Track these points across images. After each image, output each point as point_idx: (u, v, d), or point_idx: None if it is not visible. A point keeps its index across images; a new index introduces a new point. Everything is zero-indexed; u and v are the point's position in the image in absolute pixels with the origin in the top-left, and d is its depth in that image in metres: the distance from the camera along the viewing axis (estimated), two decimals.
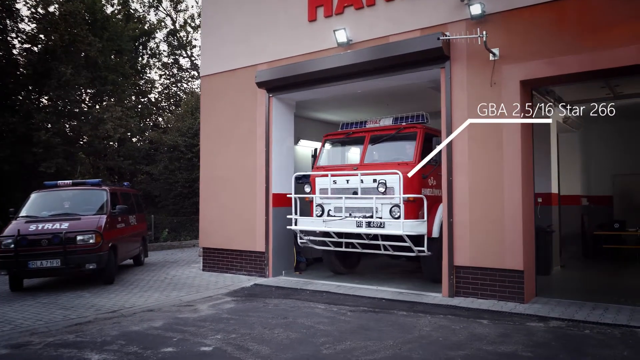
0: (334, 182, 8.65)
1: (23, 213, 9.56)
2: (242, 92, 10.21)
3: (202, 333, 5.95)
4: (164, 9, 29.44)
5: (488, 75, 7.28)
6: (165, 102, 27.60)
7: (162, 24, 27.96)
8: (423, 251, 7.92)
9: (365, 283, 8.87)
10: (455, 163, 7.59)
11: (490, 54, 7.22)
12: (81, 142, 19.80)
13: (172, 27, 28.10)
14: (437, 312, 6.82)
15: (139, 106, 25.45)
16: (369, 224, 8.08)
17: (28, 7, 18.18)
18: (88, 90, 22.03)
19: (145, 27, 26.21)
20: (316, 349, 5.26)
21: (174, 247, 17.49)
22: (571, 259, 11.23)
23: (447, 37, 7.44)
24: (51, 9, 18.70)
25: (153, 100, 27.27)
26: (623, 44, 6.31)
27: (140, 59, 25.99)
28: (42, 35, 18.29)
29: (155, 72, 29.13)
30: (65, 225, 8.94)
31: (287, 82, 9.31)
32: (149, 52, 27.43)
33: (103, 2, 24.18)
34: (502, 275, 7.22)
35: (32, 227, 8.89)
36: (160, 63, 28.34)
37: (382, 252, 8.42)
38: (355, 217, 8.30)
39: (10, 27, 18.05)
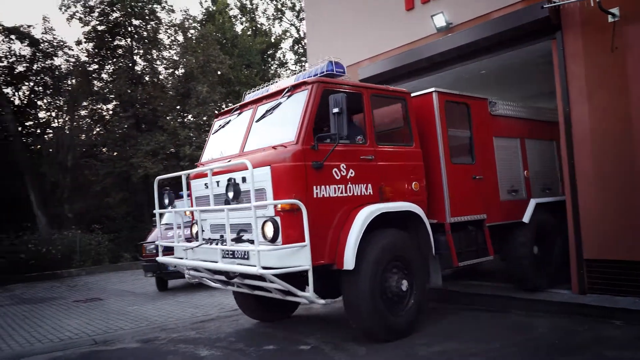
0: (205, 185, 5.76)
1: (164, 221, 10.70)
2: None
3: (305, 331, 6.11)
4: (288, 19, 30.83)
5: (608, 40, 6.34)
6: None
7: (287, 34, 29.28)
8: (307, 297, 4.82)
9: (485, 279, 8.30)
10: (575, 142, 6.72)
11: (609, 16, 6.27)
12: None
13: (297, 35, 29.27)
14: (561, 311, 6.14)
15: None
16: (232, 254, 5.18)
17: (167, 35, 20.38)
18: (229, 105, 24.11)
19: (272, 40, 27.67)
20: (412, 349, 5.08)
21: None
22: None
23: (554, 4, 6.63)
24: (188, 35, 20.73)
25: None
26: None
27: (269, 69, 27.52)
28: (183, 59, 20.37)
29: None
30: None
31: (389, 76, 9.06)
32: (277, 63, 28.92)
33: (233, 21, 26.18)
34: None
35: (170, 233, 9.90)
36: (289, 72, 29.75)
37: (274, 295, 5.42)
38: (218, 243, 5.44)
39: (155, 56, 20.46)
